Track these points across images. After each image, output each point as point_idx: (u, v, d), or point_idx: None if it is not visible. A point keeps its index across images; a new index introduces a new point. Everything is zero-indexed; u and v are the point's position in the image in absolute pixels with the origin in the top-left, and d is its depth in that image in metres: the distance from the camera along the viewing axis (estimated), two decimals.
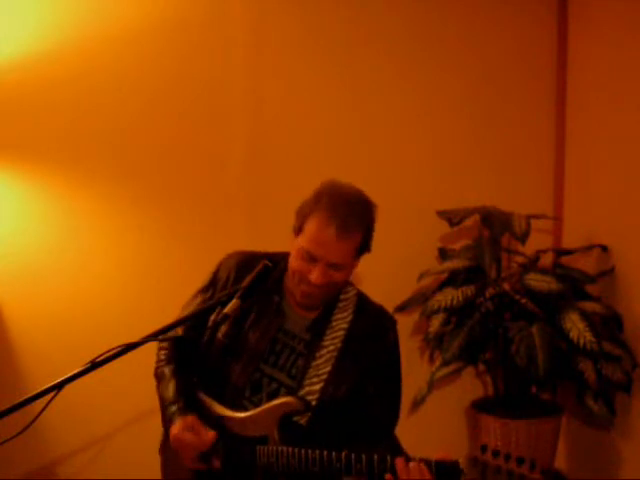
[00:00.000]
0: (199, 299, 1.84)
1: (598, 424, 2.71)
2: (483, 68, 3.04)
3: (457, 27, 3.01)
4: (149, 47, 2.78)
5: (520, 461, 1.39)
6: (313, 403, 1.66)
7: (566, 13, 3.02)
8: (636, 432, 2.63)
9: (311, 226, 1.62)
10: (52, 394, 1.38)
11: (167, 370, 1.82)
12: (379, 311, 1.82)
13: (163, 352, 1.88)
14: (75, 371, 1.41)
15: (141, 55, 2.77)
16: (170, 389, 1.76)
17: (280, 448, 1.62)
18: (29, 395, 1.37)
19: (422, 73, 3.01)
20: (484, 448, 1.43)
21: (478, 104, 3.04)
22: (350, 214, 1.62)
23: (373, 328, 1.77)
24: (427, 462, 1.47)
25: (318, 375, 1.69)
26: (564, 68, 3.03)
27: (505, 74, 3.06)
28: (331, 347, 1.71)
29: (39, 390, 1.38)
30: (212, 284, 1.83)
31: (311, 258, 1.62)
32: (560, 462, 2.90)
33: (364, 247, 1.68)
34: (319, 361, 1.70)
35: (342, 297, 1.77)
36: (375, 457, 1.52)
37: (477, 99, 3.04)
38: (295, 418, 1.66)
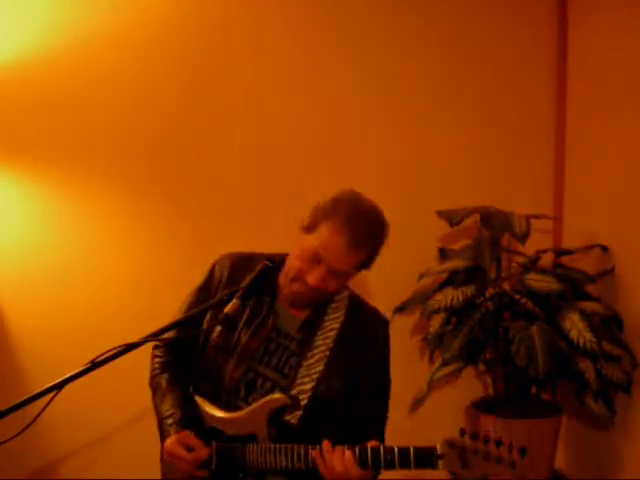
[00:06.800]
0: (194, 299, 1.84)
1: (598, 424, 2.71)
2: (483, 68, 3.04)
3: (457, 28, 3.01)
4: (150, 48, 2.78)
5: (498, 443, 1.40)
6: (304, 402, 1.67)
7: (566, 13, 3.02)
8: (636, 432, 2.63)
9: (324, 229, 1.64)
10: (52, 394, 1.39)
11: (162, 380, 1.83)
12: (371, 312, 1.84)
13: (157, 360, 1.89)
14: (75, 371, 1.42)
15: (142, 56, 2.78)
16: (166, 401, 1.77)
17: (267, 445, 1.63)
18: (29, 395, 1.37)
19: (422, 73, 3.00)
20: (463, 432, 1.44)
21: (478, 104, 3.04)
22: (364, 229, 1.64)
23: (364, 329, 1.78)
24: (404, 449, 1.48)
25: (310, 375, 1.70)
26: (564, 68, 3.03)
27: (505, 74, 3.05)
28: (323, 347, 1.73)
29: (39, 390, 1.38)
30: (207, 284, 1.84)
31: (316, 260, 1.64)
32: (560, 462, 2.90)
33: (366, 264, 1.71)
34: (311, 361, 1.72)
35: (335, 298, 1.79)
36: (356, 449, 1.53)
37: (477, 99, 3.04)
38: (287, 417, 1.66)
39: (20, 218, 2.74)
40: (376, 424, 1.76)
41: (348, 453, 1.52)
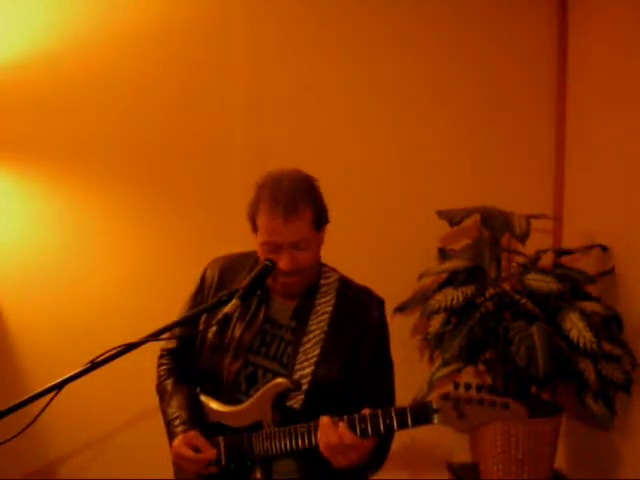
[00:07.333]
0: (192, 304, 1.87)
1: (598, 424, 2.71)
2: (483, 68, 3.03)
3: (457, 28, 3.01)
4: (150, 48, 2.79)
5: (492, 389, 1.41)
6: (305, 386, 1.68)
7: (566, 13, 3.02)
8: (636, 432, 2.63)
9: (261, 220, 1.68)
10: (52, 394, 1.39)
11: (168, 385, 1.86)
12: (362, 292, 1.84)
13: (163, 368, 1.91)
14: (75, 371, 1.42)
15: (142, 56, 2.78)
16: (172, 404, 1.79)
17: (273, 430, 1.64)
18: (29, 395, 1.37)
19: (422, 73, 3.01)
20: (456, 385, 1.45)
21: (478, 104, 3.04)
22: (291, 196, 1.65)
23: (356, 308, 1.79)
24: (401, 409, 1.49)
25: (308, 359, 1.71)
26: (564, 68, 3.03)
27: (505, 74, 3.05)
28: (317, 331, 1.74)
29: (39, 390, 1.38)
30: (200, 289, 1.87)
31: (275, 248, 1.67)
32: (560, 462, 2.90)
33: (320, 220, 1.72)
34: (307, 346, 1.73)
35: (323, 282, 1.80)
36: (356, 416, 1.54)
37: (477, 99, 3.04)
38: (289, 403, 1.67)
39: (20, 218, 2.74)
40: (382, 403, 1.73)
41: (342, 424, 1.53)
